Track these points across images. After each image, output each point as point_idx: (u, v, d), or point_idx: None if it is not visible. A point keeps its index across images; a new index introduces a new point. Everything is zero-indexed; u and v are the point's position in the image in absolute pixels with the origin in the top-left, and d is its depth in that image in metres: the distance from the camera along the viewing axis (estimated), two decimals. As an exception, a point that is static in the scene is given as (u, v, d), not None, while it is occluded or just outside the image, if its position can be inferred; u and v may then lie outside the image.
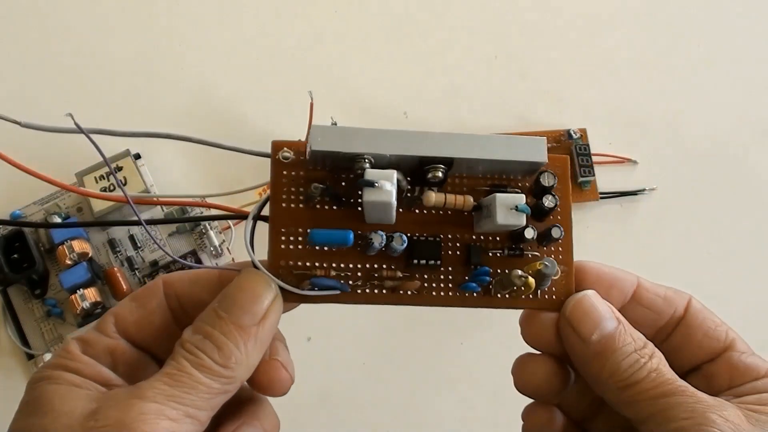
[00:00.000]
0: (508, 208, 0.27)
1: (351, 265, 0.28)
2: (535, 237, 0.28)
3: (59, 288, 0.49)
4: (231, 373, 0.25)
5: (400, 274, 0.28)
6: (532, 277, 0.28)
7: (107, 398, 0.24)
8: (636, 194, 0.55)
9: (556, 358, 0.29)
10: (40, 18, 0.58)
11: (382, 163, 0.27)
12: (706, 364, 0.28)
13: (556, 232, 0.28)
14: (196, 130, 0.54)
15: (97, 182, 0.50)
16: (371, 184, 0.25)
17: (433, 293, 0.29)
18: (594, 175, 0.54)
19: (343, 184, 0.28)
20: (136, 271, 0.51)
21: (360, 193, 0.26)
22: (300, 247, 0.28)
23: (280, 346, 0.29)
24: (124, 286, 0.49)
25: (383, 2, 0.60)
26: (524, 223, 0.27)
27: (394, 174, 0.26)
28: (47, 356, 0.48)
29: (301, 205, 0.28)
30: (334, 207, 0.28)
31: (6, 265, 0.48)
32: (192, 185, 0.53)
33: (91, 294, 0.48)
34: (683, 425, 0.24)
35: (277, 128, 0.55)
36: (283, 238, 0.28)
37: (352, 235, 0.27)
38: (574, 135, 0.55)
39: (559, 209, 0.29)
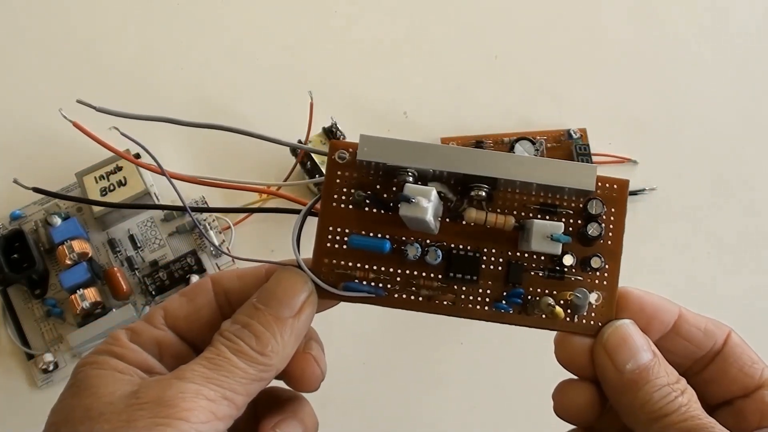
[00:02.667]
0: (544, 236, 0.27)
1: (391, 270, 0.29)
2: (574, 264, 0.28)
3: (59, 288, 0.49)
4: (267, 361, 0.26)
5: (437, 284, 0.29)
6: (565, 304, 0.28)
7: (147, 381, 0.25)
8: (636, 194, 0.55)
9: (595, 385, 0.29)
10: (38, 14, 0.58)
11: (427, 175, 0.28)
12: (738, 399, 0.28)
13: (596, 262, 0.28)
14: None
15: (96, 182, 0.50)
16: (408, 200, 0.26)
17: (469, 306, 0.29)
18: (594, 175, 0.54)
19: (394, 189, 0.29)
20: (136, 271, 0.51)
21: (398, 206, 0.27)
22: (345, 246, 0.29)
23: (314, 344, 0.30)
24: (124, 286, 0.49)
25: (383, 2, 0.60)
26: (559, 251, 0.27)
27: (432, 191, 0.26)
28: (47, 356, 0.48)
29: (350, 207, 0.29)
30: (382, 212, 0.29)
31: (6, 265, 0.48)
32: (191, 185, 0.53)
33: (91, 294, 0.48)
34: None
35: (277, 129, 0.55)
36: (329, 236, 0.29)
37: (388, 245, 0.28)
38: (574, 135, 0.55)
39: (610, 234, 0.29)
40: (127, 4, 0.59)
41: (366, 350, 0.51)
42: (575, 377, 0.29)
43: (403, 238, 0.28)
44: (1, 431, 0.49)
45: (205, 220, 0.52)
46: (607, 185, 0.29)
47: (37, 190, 0.34)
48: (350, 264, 0.29)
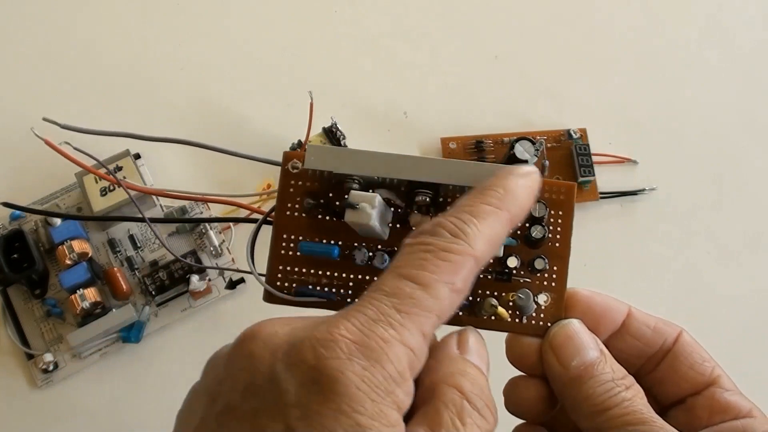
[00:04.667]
0: None
1: (343, 275, 0.29)
2: (518, 266, 0.29)
3: (59, 288, 0.49)
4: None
5: None
6: (509, 305, 0.28)
7: None
8: (636, 194, 0.55)
9: (545, 382, 0.29)
10: (38, 14, 0.58)
11: (374, 183, 0.28)
12: (690, 397, 0.29)
13: (539, 264, 0.29)
14: (196, 131, 0.54)
15: (96, 182, 0.50)
16: (353, 206, 0.27)
17: None
18: (594, 175, 0.54)
19: (346, 196, 0.29)
20: (136, 271, 0.51)
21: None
22: (299, 253, 0.29)
23: None
24: (124, 286, 0.49)
25: (383, 2, 0.60)
26: (501, 254, 0.28)
27: (376, 197, 0.27)
28: (47, 356, 0.48)
29: (303, 214, 0.30)
30: (334, 219, 0.29)
31: (6, 265, 0.48)
32: (191, 185, 0.53)
33: (91, 294, 0.48)
34: None
35: (277, 129, 0.55)
36: (284, 244, 0.30)
37: (337, 250, 0.29)
38: (574, 135, 0.55)
39: (558, 236, 0.29)
40: (127, 3, 0.59)
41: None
42: (525, 375, 0.30)
43: (355, 244, 0.29)
44: (1, 431, 0.49)
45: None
46: (554, 189, 0.29)
47: (6, 204, 0.34)
48: (303, 270, 0.29)
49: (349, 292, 0.29)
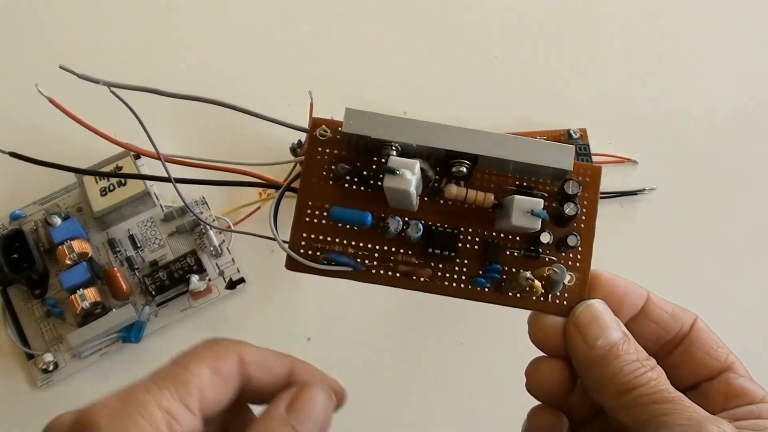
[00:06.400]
0: (525, 211, 0.27)
1: (369, 245, 0.29)
2: (551, 242, 0.29)
3: (59, 288, 0.49)
4: None
5: (414, 260, 0.29)
6: (542, 281, 0.28)
7: None
8: (636, 194, 0.55)
9: (567, 362, 0.29)
10: (37, 14, 0.58)
11: (409, 151, 0.27)
12: (704, 382, 0.29)
13: (572, 240, 0.29)
14: (195, 130, 0.54)
15: (97, 182, 0.50)
16: (393, 172, 0.26)
17: (445, 283, 0.29)
18: (594, 175, 0.54)
19: (374, 167, 0.29)
20: (136, 271, 0.51)
21: (381, 178, 0.27)
22: (324, 222, 0.29)
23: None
24: (124, 286, 0.49)
25: (383, 2, 0.60)
26: (538, 227, 0.27)
27: (416, 164, 0.26)
28: (47, 356, 0.48)
29: (330, 182, 0.29)
30: (362, 188, 0.29)
31: (6, 265, 0.48)
32: (191, 186, 0.53)
33: (91, 294, 0.48)
34: (679, 431, 0.24)
35: (277, 128, 0.54)
36: (308, 211, 0.29)
37: (370, 217, 0.28)
38: (574, 135, 0.55)
39: (583, 218, 0.29)
40: (127, 3, 0.59)
41: (366, 350, 0.51)
42: (546, 356, 0.30)
43: (382, 215, 0.29)
44: (0, 431, 0.49)
45: (205, 220, 0.52)
46: (581, 171, 0.29)
47: (14, 154, 0.33)
48: (329, 239, 0.29)
49: (374, 263, 0.29)
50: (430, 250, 0.29)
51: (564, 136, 0.55)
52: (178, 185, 0.31)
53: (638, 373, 0.27)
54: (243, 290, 0.51)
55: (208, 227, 0.51)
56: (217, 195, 0.53)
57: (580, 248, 0.29)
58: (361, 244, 0.29)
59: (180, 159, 0.33)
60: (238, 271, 0.51)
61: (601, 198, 0.54)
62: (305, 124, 0.50)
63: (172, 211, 0.52)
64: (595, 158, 0.54)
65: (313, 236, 0.29)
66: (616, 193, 0.55)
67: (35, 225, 0.51)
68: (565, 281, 0.29)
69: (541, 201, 0.27)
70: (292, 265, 0.29)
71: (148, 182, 0.51)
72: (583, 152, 0.54)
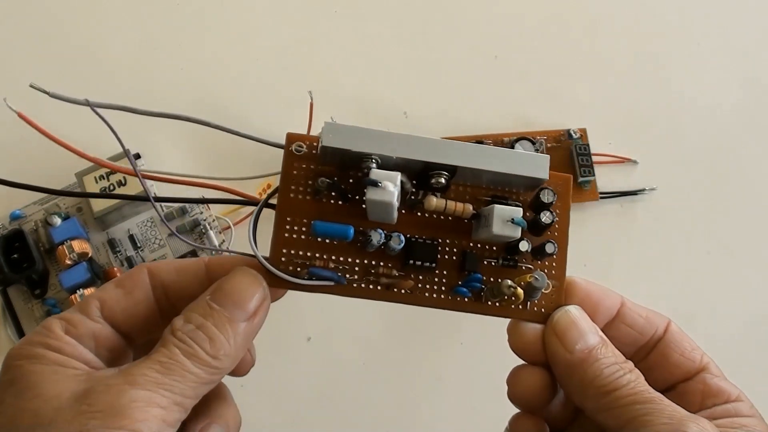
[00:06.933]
0: (505, 220, 0.28)
1: (350, 260, 0.29)
2: (529, 250, 0.29)
3: (59, 288, 0.49)
4: (219, 365, 0.26)
5: (395, 272, 0.29)
6: (522, 288, 0.29)
7: (97, 381, 0.24)
8: (636, 194, 0.55)
9: (547, 369, 0.30)
10: (37, 14, 0.58)
11: (388, 164, 0.28)
12: (680, 383, 0.30)
13: (549, 248, 0.29)
14: (194, 131, 0.54)
15: (96, 182, 0.50)
16: (375, 184, 0.26)
17: (426, 294, 0.29)
18: (594, 175, 0.54)
19: (351, 181, 0.29)
20: (136, 271, 0.51)
21: (364, 191, 0.27)
22: (303, 237, 0.29)
23: None
24: (124, 286, 0.49)
25: (383, 2, 0.60)
26: (518, 235, 0.28)
27: (398, 176, 0.27)
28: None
29: (308, 197, 0.29)
30: (340, 202, 0.29)
31: (6, 265, 0.48)
32: (191, 187, 0.53)
33: (91, 294, 0.48)
34: (661, 430, 0.25)
35: (277, 129, 0.54)
36: (287, 227, 0.29)
37: (352, 230, 0.28)
38: (574, 135, 0.55)
39: (557, 226, 0.30)
40: (127, 3, 0.59)
41: (366, 350, 0.51)
42: (527, 363, 0.30)
43: (361, 229, 0.29)
44: None
45: (204, 220, 0.52)
46: (553, 179, 0.29)
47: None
48: (308, 254, 0.29)
49: (356, 277, 0.29)
50: (411, 261, 0.29)
51: (564, 136, 0.55)
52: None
53: (618, 375, 0.27)
54: (243, 290, 0.51)
55: (208, 227, 0.51)
56: (217, 195, 0.53)
57: (556, 256, 0.29)
58: (341, 258, 0.29)
59: (156, 175, 0.32)
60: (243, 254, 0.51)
61: (601, 198, 0.54)
62: (305, 124, 0.51)
63: (171, 212, 0.52)
64: (595, 158, 0.54)
65: (293, 252, 0.29)
66: (616, 193, 0.55)
67: (35, 225, 0.51)
68: (544, 289, 0.29)
69: (521, 209, 0.28)
70: (273, 282, 0.28)
71: (148, 182, 0.50)
72: (583, 152, 0.54)
